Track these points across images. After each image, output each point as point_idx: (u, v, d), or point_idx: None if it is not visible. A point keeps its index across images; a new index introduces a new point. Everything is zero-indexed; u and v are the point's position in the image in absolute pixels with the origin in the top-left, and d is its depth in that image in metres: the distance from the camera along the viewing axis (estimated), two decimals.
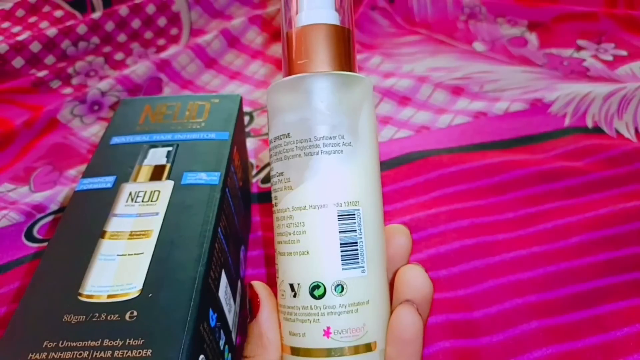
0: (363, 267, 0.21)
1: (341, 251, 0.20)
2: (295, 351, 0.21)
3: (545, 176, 0.39)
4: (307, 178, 0.21)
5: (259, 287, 0.23)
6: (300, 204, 0.21)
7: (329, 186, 0.21)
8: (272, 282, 0.34)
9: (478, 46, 0.61)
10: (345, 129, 0.21)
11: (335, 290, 0.20)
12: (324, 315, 0.20)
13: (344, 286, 0.20)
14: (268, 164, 0.45)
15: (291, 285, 0.21)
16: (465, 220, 0.36)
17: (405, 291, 0.21)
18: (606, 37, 0.59)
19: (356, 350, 0.20)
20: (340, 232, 0.20)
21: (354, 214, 0.21)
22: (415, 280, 0.21)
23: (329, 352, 0.20)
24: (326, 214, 0.21)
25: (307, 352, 0.21)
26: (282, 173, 0.22)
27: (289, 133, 0.21)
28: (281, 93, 0.22)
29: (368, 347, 0.20)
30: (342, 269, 0.20)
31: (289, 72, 0.22)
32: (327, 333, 0.20)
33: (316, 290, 0.20)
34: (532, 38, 0.61)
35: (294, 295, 0.21)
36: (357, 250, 0.21)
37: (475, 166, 0.41)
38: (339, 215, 0.21)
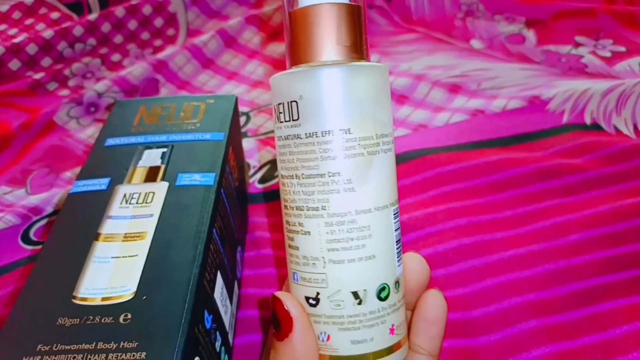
0: (401, 260, 0.21)
1: (396, 249, 0.21)
2: (361, 358, 0.20)
3: (544, 174, 0.39)
4: (370, 179, 0.20)
5: (290, 302, 0.20)
6: (365, 207, 0.20)
7: (388, 186, 0.20)
8: (269, 283, 0.34)
9: (475, 44, 0.61)
10: (391, 126, 0.21)
11: (395, 288, 0.21)
12: (389, 315, 0.20)
13: (400, 282, 0.21)
14: (268, 164, 0.44)
15: (354, 293, 0.20)
16: (463, 218, 0.36)
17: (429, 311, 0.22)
18: (604, 33, 0.59)
19: (405, 339, 0.21)
20: (394, 230, 0.21)
21: (398, 212, 0.21)
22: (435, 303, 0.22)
23: (391, 348, 0.20)
24: (387, 215, 0.20)
25: (376, 354, 0.20)
26: (337, 173, 0.19)
27: (349, 129, 0.19)
28: (336, 79, 0.19)
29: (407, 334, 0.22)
30: (397, 266, 0.21)
31: (331, 53, 0.19)
32: (392, 331, 0.21)
33: (382, 292, 0.20)
34: (530, 35, 0.60)
35: (359, 303, 0.20)
36: (401, 245, 0.21)
37: (473, 164, 0.40)
38: (393, 215, 0.21)
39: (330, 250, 0.20)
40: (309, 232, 0.20)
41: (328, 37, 0.20)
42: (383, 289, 0.20)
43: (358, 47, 0.20)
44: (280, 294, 0.20)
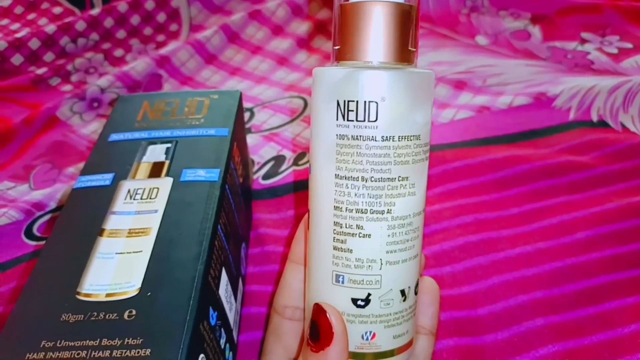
0: None
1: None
2: (401, 349, 0.21)
3: (550, 171, 0.39)
4: (423, 182, 0.21)
5: (335, 316, 0.20)
6: (419, 209, 0.20)
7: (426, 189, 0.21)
8: (273, 280, 0.33)
9: (481, 40, 0.60)
10: None
11: (418, 284, 0.22)
12: (415, 308, 0.22)
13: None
14: (272, 160, 0.44)
15: (402, 291, 0.21)
16: (469, 216, 0.36)
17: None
18: (611, 29, 0.58)
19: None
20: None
21: None
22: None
23: (412, 340, 0.22)
24: (424, 216, 0.21)
25: (409, 344, 0.22)
26: (407, 178, 0.19)
27: (419, 135, 0.20)
28: (413, 84, 0.19)
29: None
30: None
31: (399, 57, 0.19)
32: (415, 323, 0.22)
33: (417, 288, 0.22)
34: (536, 31, 0.60)
35: (404, 300, 0.21)
36: None
37: (479, 161, 0.40)
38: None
39: (388, 253, 0.20)
40: (369, 235, 0.20)
41: (401, 38, 0.19)
42: (417, 284, 0.22)
43: (417, 52, 0.20)
44: (325, 305, 0.20)
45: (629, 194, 0.36)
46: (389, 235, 0.20)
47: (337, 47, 0.20)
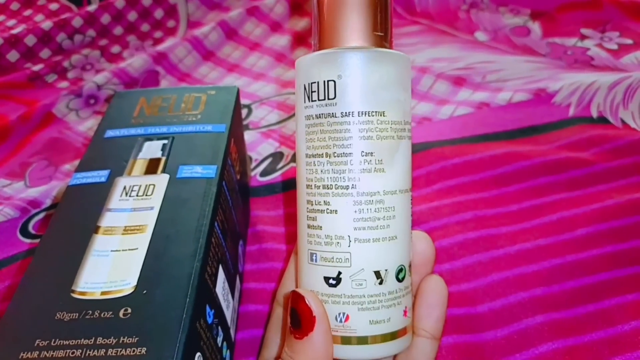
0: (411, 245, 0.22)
1: (411, 233, 0.22)
2: (379, 339, 0.20)
3: (550, 167, 0.39)
4: (397, 161, 0.20)
5: (313, 301, 0.20)
6: (392, 188, 0.20)
7: (409, 171, 0.21)
8: (271, 277, 0.33)
9: (480, 36, 0.60)
10: (410, 114, 0.22)
11: (409, 270, 0.22)
12: (404, 297, 0.21)
13: (411, 266, 0.22)
14: (270, 157, 0.44)
15: (376, 273, 0.20)
16: (468, 212, 0.36)
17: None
18: (610, 25, 0.58)
19: (411, 325, 0.22)
20: (410, 215, 0.22)
21: (411, 197, 0.22)
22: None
23: (404, 330, 0.21)
24: (407, 198, 0.21)
25: (392, 335, 0.21)
26: (371, 153, 0.20)
27: (384, 112, 0.20)
28: (375, 63, 0.20)
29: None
30: (410, 251, 0.22)
31: (365, 41, 0.20)
32: (405, 313, 0.21)
33: (400, 274, 0.21)
34: (535, 27, 0.60)
35: (380, 282, 0.20)
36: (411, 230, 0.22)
37: (478, 158, 0.40)
38: (410, 200, 0.22)
39: (356, 229, 0.20)
40: (335, 210, 0.20)
41: (364, 24, 0.20)
42: (401, 270, 0.21)
43: (389, 36, 0.21)
44: (302, 291, 0.20)
45: (629, 191, 0.36)
46: (355, 211, 0.20)
47: (313, 39, 0.22)
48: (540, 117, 0.45)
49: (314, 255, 0.21)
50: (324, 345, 0.19)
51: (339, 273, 0.20)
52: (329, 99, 0.20)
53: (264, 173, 0.42)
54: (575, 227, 0.34)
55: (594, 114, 0.45)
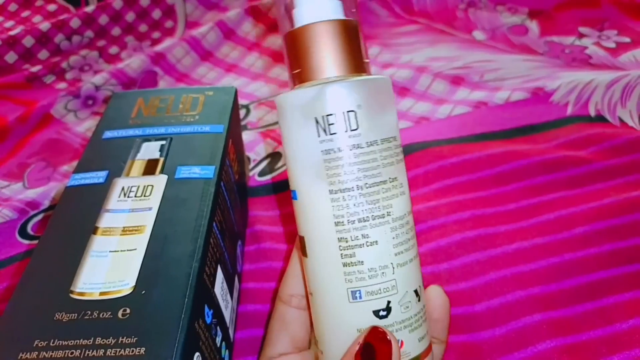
0: None
1: None
2: (423, 355, 0.21)
3: (548, 166, 0.39)
4: (407, 182, 0.21)
5: (396, 345, 0.19)
6: (409, 208, 0.21)
7: None
8: (269, 277, 0.33)
9: (478, 35, 0.60)
10: None
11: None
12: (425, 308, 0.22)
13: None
14: (268, 157, 0.44)
15: (415, 291, 0.21)
16: (466, 212, 0.36)
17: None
18: (608, 24, 0.58)
19: None
20: None
21: None
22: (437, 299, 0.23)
23: (430, 346, 0.22)
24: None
25: (430, 347, 0.21)
26: (395, 178, 0.20)
27: (395, 137, 0.20)
28: (381, 91, 0.20)
29: None
30: None
31: (356, 67, 0.20)
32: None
33: (422, 286, 0.22)
34: (533, 26, 0.60)
35: (418, 300, 0.21)
36: None
37: (476, 157, 0.40)
38: None
39: (397, 255, 0.20)
40: (375, 241, 0.20)
41: (358, 52, 0.21)
42: (422, 284, 0.22)
43: (369, 63, 0.21)
44: (389, 333, 0.19)
45: (627, 189, 0.36)
46: (393, 238, 0.20)
47: (296, 71, 0.21)
48: (538, 116, 0.45)
49: (357, 292, 0.20)
50: None
51: (388, 302, 0.20)
52: (352, 130, 0.19)
53: (262, 173, 0.42)
54: (573, 225, 0.34)
55: (592, 113, 0.45)
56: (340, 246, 0.20)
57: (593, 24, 0.58)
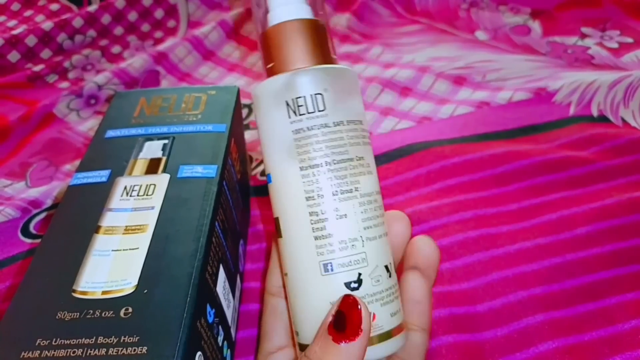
0: None
1: None
2: (397, 330, 0.21)
3: (550, 166, 0.39)
4: (374, 165, 0.22)
5: (366, 313, 0.20)
6: (377, 188, 0.22)
7: None
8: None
9: (480, 35, 0.60)
10: None
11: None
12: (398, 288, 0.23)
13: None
14: None
15: (386, 267, 0.22)
16: (468, 211, 0.36)
17: (415, 258, 0.24)
18: (611, 24, 0.58)
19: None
20: None
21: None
22: (424, 248, 0.24)
23: (402, 324, 0.22)
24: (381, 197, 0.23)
25: (404, 325, 0.22)
26: (362, 157, 0.22)
27: (361, 121, 0.22)
28: (346, 78, 0.22)
29: None
30: None
31: (310, 61, 0.22)
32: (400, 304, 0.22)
33: (393, 266, 0.22)
34: (535, 26, 0.60)
35: (389, 276, 0.22)
36: None
37: (478, 157, 0.40)
38: None
39: (365, 229, 0.21)
40: (345, 214, 0.21)
41: (326, 48, 0.23)
42: (391, 262, 0.22)
43: (336, 58, 0.24)
44: (360, 300, 0.20)
45: (629, 189, 0.36)
46: (362, 212, 0.21)
47: (270, 65, 0.23)
48: (541, 116, 0.45)
49: (329, 264, 0.21)
50: (358, 357, 0.19)
51: (359, 275, 0.21)
52: (319, 110, 0.21)
53: (264, 172, 0.42)
54: (575, 226, 0.34)
55: (595, 113, 0.45)
56: (311, 220, 0.21)
57: (595, 24, 0.58)
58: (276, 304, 0.25)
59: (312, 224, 0.21)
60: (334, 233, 0.21)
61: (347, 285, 0.21)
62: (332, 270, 0.21)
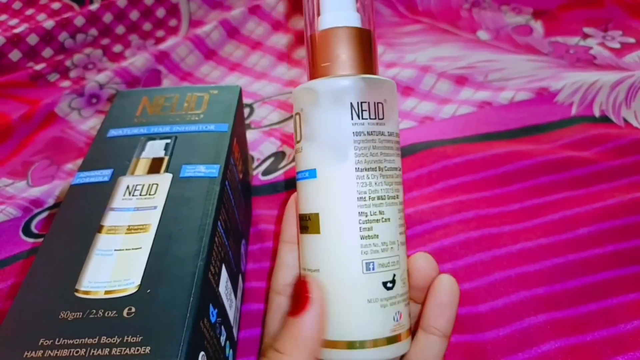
0: None
1: None
2: (408, 333, 0.23)
3: (552, 166, 0.39)
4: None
5: (315, 287, 0.21)
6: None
7: None
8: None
9: (482, 35, 0.60)
10: None
11: None
12: None
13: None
14: (272, 156, 0.44)
15: (407, 271, 0.23)
16: (470, 211, 0.36)
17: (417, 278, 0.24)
18: (613, 24, 0.58)
19: None
20: None
21: None
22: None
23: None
24: None
25: (410, 329, 0.24)
26: (400, 169, 0.23)
27: (399, 134, 0.24)
28: (394, 93, 0.24)
29: None
30: None
31: (367, 69, 0.23)
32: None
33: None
34: (538, 26, 0.59)
35: (408, 280, 0.23)
36: None
37: (480, 157, 0.40)
38: None
39: (400, 234, 0.23)
40: (389, 218, 0.22)
41: (376, 58, 0.24)
42: None
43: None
44: (310, 279, 0.22)
45: (631, 190, 0.36)
46: (399, 218, 0.23)
47: (326, 64, 0.23)
48: (543, 116, 0.45)
49: (371, 264, 0.22)
50: (309, 326, 0.20)
51: (394, 275, 0.22)
52: (379, 118, 0.22)
53: (265, 172, 0.42)
54: (578, 226, 0.34)
55: (597, 113, 0.45)
56: (360, 220, 0.22)
57: (598, 24, 0.58)
58: (281, 302, 0.25)
59: (360, 223, 0.22)
60: (379, 234, 0.22)
61: (384, 284, 0.22)
62: (373, 269, 0.22)
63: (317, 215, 0.22)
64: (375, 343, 0.21)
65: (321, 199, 0.22)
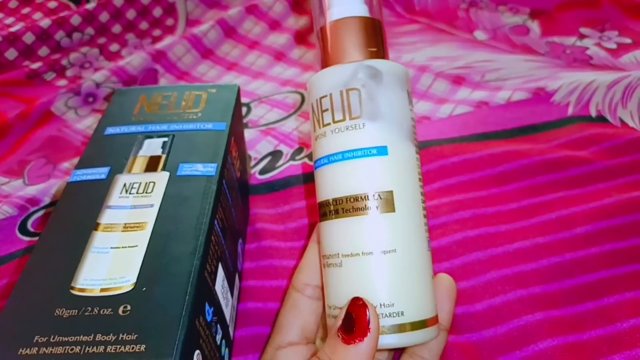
0: None
1: None
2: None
3: (549, 166, 0.39)
4: None
5: (373, 314, 0.20)
6: None
7: None
8: (270, 275, 0.33)
9: (479, 35, 0.60)
10: None
11: None
12: None
13: None
14: (269, 155, 0.44)
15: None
16: (467, 211, 0.36)
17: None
18: (610, 24, 0.58)
19: None
20: None
21: None
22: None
23: None
24: None
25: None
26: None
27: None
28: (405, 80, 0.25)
29: None
30: None
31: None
32: None
33: None
34: (534, 26, 0.60)
35: None
36: None
37: (477, 156, 0.40)
38: None
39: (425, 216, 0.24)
40: (424, 200, 0.24)
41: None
42: None
43: None
44: (365, 300, 0.21)
45: (628, 189, 0.36)
46: (425, 223, 0.24)
47: (374, 49, 0.24)
48: (539, 116, 0.45)
49: (429, 241, 0.24)
50: (368, 357, 0.20)
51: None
52: (412, 106, 0.25)
53: (263, 171, 0.42)
54: (574, 225, 0.34)
55: (593, 113, 0.45)
56: (421, 199, 0.24)
57: (594, 24, 0.58)
58: (298, 299, 0.25)
59: (422, 202, 0.23)
60: (427, 214, 0.24)
61: (432, 260, 0.24)
62: (429, 247, 0.24)
63: (390, 192, 0.22)
64: (433, 321, 0.22)
65: (394, 177, 0.22)
